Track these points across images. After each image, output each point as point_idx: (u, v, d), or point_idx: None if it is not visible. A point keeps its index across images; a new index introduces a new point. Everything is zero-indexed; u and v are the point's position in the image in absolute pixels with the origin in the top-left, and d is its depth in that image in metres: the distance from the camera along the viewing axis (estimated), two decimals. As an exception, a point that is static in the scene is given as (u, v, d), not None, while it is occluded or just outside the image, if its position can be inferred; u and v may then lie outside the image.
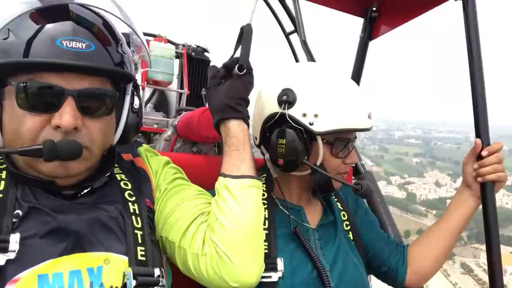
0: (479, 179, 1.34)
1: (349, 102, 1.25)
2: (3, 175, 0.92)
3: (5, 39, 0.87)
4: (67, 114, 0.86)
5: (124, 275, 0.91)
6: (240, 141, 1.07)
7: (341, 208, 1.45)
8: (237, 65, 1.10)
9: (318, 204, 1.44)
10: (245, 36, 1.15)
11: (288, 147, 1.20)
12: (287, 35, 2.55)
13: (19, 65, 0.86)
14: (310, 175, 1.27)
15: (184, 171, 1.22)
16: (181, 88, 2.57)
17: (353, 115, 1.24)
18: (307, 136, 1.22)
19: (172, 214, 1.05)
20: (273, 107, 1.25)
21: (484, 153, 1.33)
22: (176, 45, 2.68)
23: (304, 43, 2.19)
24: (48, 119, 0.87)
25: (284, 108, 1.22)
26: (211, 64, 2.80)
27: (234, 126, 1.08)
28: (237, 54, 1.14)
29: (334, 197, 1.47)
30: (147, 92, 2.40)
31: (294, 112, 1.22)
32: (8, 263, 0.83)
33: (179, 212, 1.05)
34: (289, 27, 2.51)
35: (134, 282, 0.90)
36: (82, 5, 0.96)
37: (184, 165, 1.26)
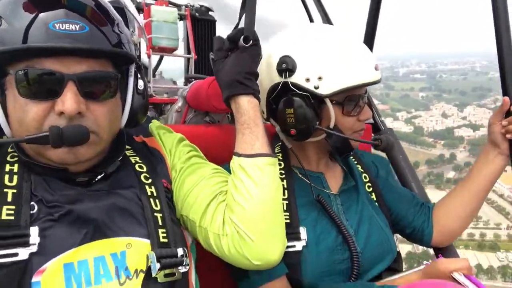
0: (509, 135, 1.25)
1: (352, 57, 1.14)
2: (15, 168, 0.88)
3: None
4: (68, 100, 0.81)
5: (147, 258, 0.88)
6: (251, 118, 1.01)
7: (362, 171, 1.36)
8: (242, 36, 1.00)
9: (338, 168, 1.35)
10: (249, 2, 1.02)
11: (297, 116, 1.12)
12: None
13: (14, 53, 0.80)
14: (326, 139, 1.18)
15: (198, 143, 1.17)
16: (188, 52, 2.38)
17: (358, 70, 1.13)
18: (315, 100, 1.13)
19: (190, 193, 1.01)
20: (274, 77, 1.15)
21: None
22: (178, 6, 2.47)
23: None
24: (51, 106, 0.83)
25: (285, 77, 1.12)
26: (216, 23, 2.60)
27: (244, 103, 1.01)
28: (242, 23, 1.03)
29: (353, 159, 1.37)
30: (153, 60, 2.23)
31: (297, 78, 1.12)
32: (31, 256, 0.80)
33: (197, 191, 1.01)
34: None
35: (158, 265, 0.87)
36: None
37: (198, 137, 1.20)
